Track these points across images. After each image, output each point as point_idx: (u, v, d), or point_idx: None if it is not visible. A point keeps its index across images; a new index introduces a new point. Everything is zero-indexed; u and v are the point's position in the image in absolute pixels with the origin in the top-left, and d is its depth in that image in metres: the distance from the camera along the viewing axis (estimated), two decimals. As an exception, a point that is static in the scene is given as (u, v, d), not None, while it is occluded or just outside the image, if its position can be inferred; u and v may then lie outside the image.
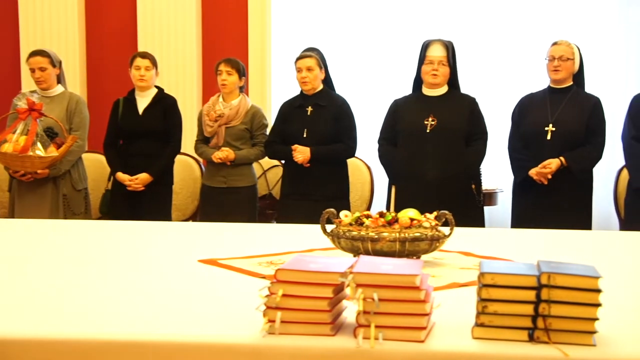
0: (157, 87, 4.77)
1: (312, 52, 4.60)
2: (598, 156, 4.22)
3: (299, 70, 4.48)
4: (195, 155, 5.05)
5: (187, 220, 5.14)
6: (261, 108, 4.88)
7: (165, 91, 4.80)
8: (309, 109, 4.50)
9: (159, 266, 2.37)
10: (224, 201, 4.61)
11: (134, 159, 4.63)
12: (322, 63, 4.54)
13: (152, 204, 4.62)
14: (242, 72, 4.73)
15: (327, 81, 4.60)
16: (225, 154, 4.57)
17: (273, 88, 5.96)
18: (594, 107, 4.22)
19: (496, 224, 5.23)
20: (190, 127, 4.99)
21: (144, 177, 4.59)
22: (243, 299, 1.81)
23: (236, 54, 5.20)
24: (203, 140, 4.78)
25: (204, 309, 1.79)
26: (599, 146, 4.20)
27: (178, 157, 4.84)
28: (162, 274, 2.26)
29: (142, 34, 5.93)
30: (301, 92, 4.57)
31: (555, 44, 4.27)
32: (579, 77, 4.29)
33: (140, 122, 4.65)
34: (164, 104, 4.71)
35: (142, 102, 4.70)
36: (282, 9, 5.98)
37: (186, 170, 5.19)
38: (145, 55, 4.71)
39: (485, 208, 4.51)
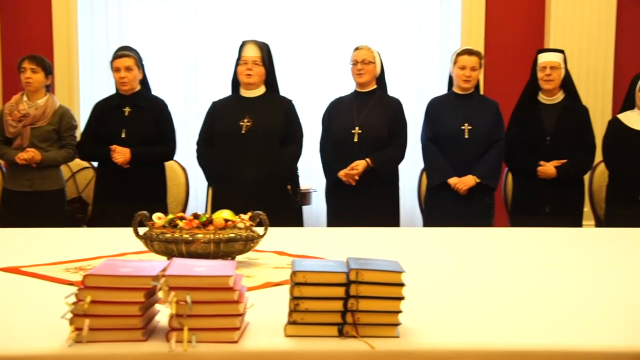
0: None
1: (129, 51, 4.47)
2: (401, 156, 4.45)
3: (116, 69, 4.35)
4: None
5: (-14, 226, 4.78)
6: (70, 109, 4.65)
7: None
8: (127, 109, 4.38)
9: (-47, 276, 2.20)
10: (29, 206, 4.34)
11: None
12: (140, 63, 4.43)
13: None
14: (48, 70, 4.49)
15: (144, 82, 4.50)
16: (30, 154, 4.31)
17: (81, 88, 5.70)
18: (396, 110, 4.45)
19: (310, 223, 5.36)
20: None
21: None
22: (48, 307, 1.72)
23: (40, 50, 4.93)
24: (4, 141, 4.47)
25: (5, 319, 1.69)
26: (401, 147, 4.43)
27: (-25, 159, 4.50)
28: (-43, 284, 2.09)
29: None
30: (117, 92, 4.44)
31: (357, 48, 4.46)
32: (381, 80, 4.50)
33: None
34: None
35: None
36: (88, 4, 5.73)
37: (-15, 173, 4.84)
38: None
39: (299, 208, 4.62)
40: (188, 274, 1.50)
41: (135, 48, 4.67)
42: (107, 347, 1.47)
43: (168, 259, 2.13)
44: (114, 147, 4.30)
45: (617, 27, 5.66)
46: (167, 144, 4.47)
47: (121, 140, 4.33)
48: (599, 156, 4.53)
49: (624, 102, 4.53)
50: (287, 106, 4.36)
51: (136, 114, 4.39)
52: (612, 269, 2.42)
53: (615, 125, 4.44)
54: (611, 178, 4.48)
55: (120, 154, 4.29)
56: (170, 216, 2.32)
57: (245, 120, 4.22)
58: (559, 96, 4.44)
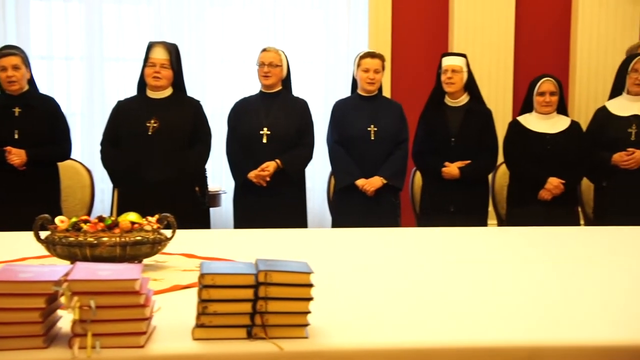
0: None
1: (14, 49, 4.31)
2: (309, 156, 4.48)
3: (2, 68, 4.18)
4: None
5: None
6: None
7: None
8: (17, 109, 4.22)
9: None
10: None
11: None
12: (27, 62, 4.28)
13: None
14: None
15: (32, 81, 4.35)
16: None
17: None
18: (302, 110, 4.48)
19: (220, 225, 5.32)
20: None
21: None
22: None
23: None
24: None
25: None
26: (309, 147, 4.46)
27: None
28: None
29: None
30: (3, 92, 4.27)
31: (264, 50, 4.46)
32: (287, 81, 4.52)
33: None
34: None
35: None
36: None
37: None
38: None
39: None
40: (92, 278, 1.46)
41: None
42: (6, 355, 1.42)
43: (71, 263, 2.07)
44: (8, 148, 4.13)
45: (515, 32, 5.88)
46: (62, 144, 4.35)
47: (14, 141, 4.17)
48: (501, 157, 4.68)
49: (523, 104, 4.69)
50: (196, 107, 4.32)
51: (28, 114, 4.23)
52: (516, 266, 2.51)
53: (515, 127, 4.60)
54: (512, 178, 4.64)
55: (17, 156, 4.13)
56: (74, 219, 2.25)
57: (152, 122, 4.15)
58: (464, 99, 4.55)
